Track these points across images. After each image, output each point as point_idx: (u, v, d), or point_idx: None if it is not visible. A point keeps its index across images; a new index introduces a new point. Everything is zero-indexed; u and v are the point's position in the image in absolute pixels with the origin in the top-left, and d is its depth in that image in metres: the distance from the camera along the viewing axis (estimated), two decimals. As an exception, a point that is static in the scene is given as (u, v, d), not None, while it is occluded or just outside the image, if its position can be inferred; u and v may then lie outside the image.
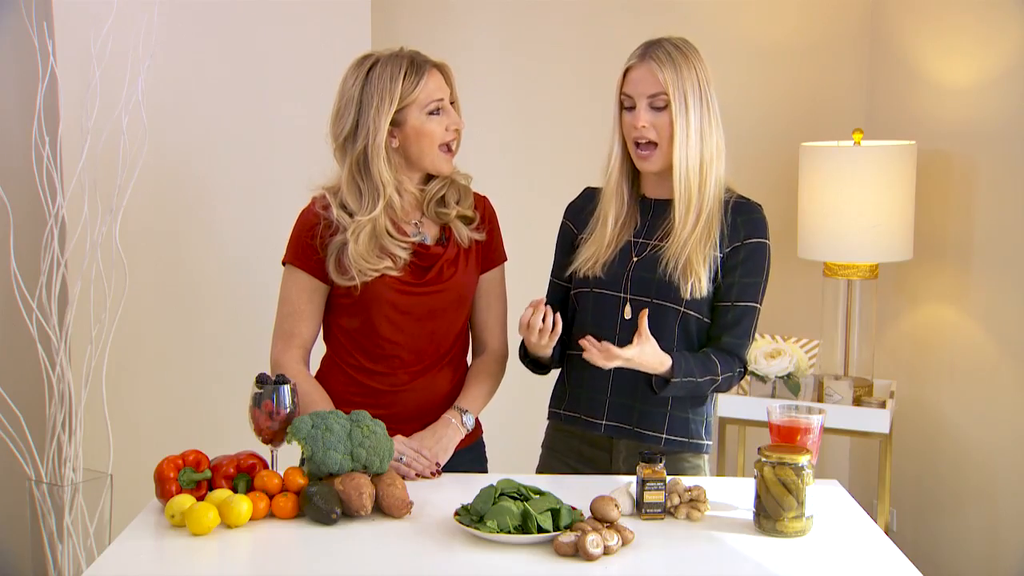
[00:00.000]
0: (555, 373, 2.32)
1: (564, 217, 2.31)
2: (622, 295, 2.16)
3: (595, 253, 2.18)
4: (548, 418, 2.32)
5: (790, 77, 3.71)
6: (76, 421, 2.59)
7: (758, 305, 2.17)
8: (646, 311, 2.04)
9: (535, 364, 2.26)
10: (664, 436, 2.16)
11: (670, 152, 2.10)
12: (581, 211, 2.27)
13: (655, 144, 2.11)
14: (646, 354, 2.03)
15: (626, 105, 2.14)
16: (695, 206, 2.11)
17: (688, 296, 2.11)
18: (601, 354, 2.00)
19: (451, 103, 2.21)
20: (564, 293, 2.28)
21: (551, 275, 2.32)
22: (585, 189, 2.31)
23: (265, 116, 3.12)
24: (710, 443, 2.24)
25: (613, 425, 2.18)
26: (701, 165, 2.11)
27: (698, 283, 2.10)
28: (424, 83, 2.15)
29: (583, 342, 2.02)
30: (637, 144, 2.13)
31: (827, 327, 3.50)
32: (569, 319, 2.26)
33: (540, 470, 2.32)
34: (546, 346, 2.10)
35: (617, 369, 2.12)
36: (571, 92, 3.67)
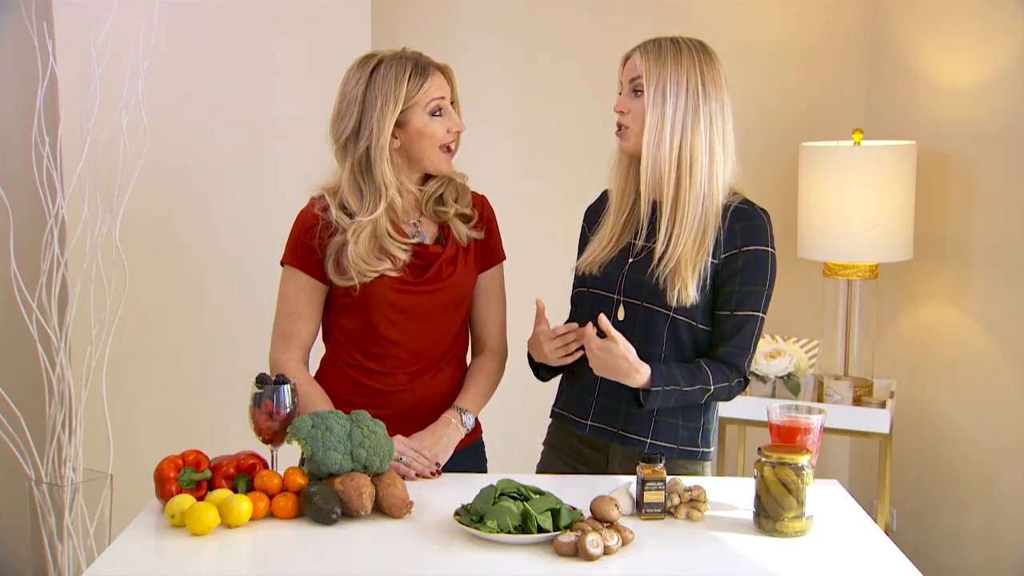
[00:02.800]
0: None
1: (583, 220, 2.30)
2: (615, 296, 2.15)
3: (594, 251, 2.18)
4: (550, 416, 2.32)
5: (790, 77, 3.71)
6: (76, 421, 2.59)
7: (760, 314, 2.11)
8: (602, 315, 2.03)
9: (547, 369, 2.23)
10: (649, 441, 2.13)
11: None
12: (597, 213, 2.26)
13: (628, 127, 2.12)
14: (613, 353, 2.00)
15: (619, 92, 2.16)
16: (669, 203, 2.08)
17: (675, 303, 2.08)
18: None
19: (452, 104, 2.21)
20: None
21: (574, 287, 2.30)
22: (604, 192, 2.29)
23: (265, 116, 3.12)
24: (709, 450, 2.20)
25: (598, 427, 2.17)
26: (679, 162, 2.07)
27: (684, 290, 2.07)
28: (428, 84, 2.15)
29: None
30: (618, 127, 2.14)
31: (827, 327, 3.50)
32: (573, 316, 2.26)
33: (541, 468, 2.31)
34: (559, 360, 2.12)
35: None
36: (571, 91, 3.67)
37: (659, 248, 2.09)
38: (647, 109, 2.07)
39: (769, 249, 2.11)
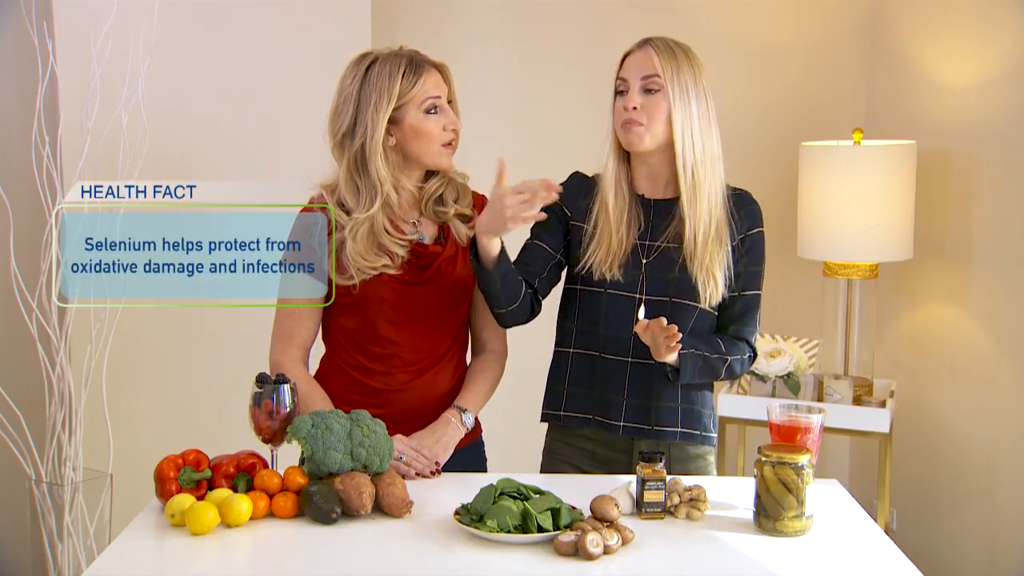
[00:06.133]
0: (544, 375, 2.30)
1: (561, 201, 2.19)
2: (638, 296, 2.15)
3: (608, 255, 2.15)
4: (543, 420, 2.30)
5: (790, 77, 3.71)
6: (76, 421, 2.59)
7: (760, 292, 2.22)
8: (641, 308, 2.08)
9: (484, 261, 2.07)
10: (679, 430, 2.18)
11: (658, 134, 2.09)
12: (575, 198, 2.21)
13: (643, 125, 2.10)
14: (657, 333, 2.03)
15: (620, 89, 2.14)
16: (704, 199, 2.11)
17: (707, 305, 2.15)
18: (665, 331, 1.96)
19: (449, 102, 2.21)
20: (546, 256, 2.20)
21: (530, 239, 2.22)
22: (574, 173, 2.26)
23: (265, 116, 3.12)
24: (716, 436, 2.27)
25: (632, 427, 2.18)
26: (704, 160, 2.11)
27: (715, 290, 2.14)
28: (422, 82, 2.16)
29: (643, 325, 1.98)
30: (629, 123, 2.10)
31: (827, 327, 3.50)
32: (573, 317, 2.23)
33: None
34: (520, 213, 1.96)
35: (633, 370, 2.15)
36: (571, 91, 3.67)
37: (689, 246, 2.12)
38: (674, 108, 2.09)
39: (763, 229, 2.21)
